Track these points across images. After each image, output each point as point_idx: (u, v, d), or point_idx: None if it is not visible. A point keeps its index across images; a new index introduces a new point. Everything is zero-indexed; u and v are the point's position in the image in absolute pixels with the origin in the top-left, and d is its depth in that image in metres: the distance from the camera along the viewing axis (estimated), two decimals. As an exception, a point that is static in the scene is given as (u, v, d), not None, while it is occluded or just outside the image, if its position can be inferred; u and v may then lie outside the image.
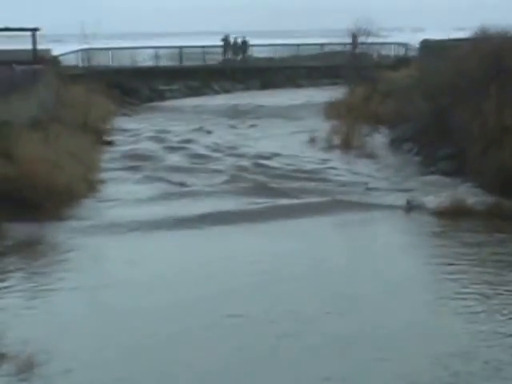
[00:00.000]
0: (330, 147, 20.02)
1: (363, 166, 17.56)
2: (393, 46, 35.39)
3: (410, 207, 13.57)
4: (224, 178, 16.16)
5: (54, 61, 26.77)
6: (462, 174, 15.24)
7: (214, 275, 10.27)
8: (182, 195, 14.89)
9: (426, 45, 26.94)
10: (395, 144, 19.63)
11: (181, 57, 34.11)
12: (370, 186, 15.34)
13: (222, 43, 34.96)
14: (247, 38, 35.31)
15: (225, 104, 32.57)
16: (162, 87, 34.94)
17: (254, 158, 18.52)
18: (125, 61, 33.23)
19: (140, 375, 7.43)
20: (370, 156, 18.71)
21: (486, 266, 10.56)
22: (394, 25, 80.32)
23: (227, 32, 35.07)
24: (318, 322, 8.61)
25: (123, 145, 21.08)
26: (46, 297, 9.49)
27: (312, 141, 20.87)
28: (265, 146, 20.07)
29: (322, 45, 35.99)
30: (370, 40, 31.01)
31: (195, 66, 34.15)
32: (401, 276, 10.21)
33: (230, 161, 18.20)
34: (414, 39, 33.44)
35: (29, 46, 25.53)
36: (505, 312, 8.73)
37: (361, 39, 31.42)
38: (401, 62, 29.64)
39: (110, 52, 33.53)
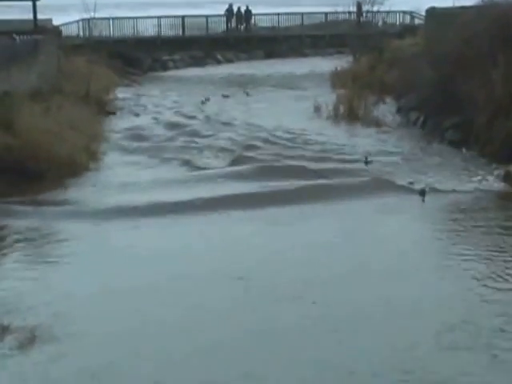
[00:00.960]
0: (335, 117, 19.80)
1: (369, 138, 17.26)
2: (398, 14, 34.89)
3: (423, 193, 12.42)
4: (232, 156, 15.20)
5: (56, 31, 26.46)
6: (469, 143, 15.09)
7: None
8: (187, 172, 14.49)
9: (432, 12, 26.50)
10: (401, 113, 19.43)
11: (183, 26, 33.74)
12: (376, 159, 14.83)
13: (225, 13, 34.58)
14: (250, 7, 34.91)
15: (228, 74, 32.30)
16: (164, 57, 34.67)
17: (260, 131, 17.96)
18: (127, 31, 32.91)
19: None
20: (377, 126, 18.48)
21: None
22: (399, -7, 79.09)
23: (230, 1, 34.60)
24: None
25: (126, 116, 20.96)
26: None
27: (317, 111, 20.64)
28: (270, 118, 19.71)
29: (326, 13, 35.52)
30: (376, 8, 30.68)
31: (198, 35, 33.80)
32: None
33: (236, 135, 17.49)
34: (420, 7, 33.01)
35: (30, 16, 25.23)
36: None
37: (366, 7, 31.07)
38: (406, 30, 29.26)
39: (111, 22, 33.16)
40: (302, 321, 7.64)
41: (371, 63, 24.88)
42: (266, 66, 34.35)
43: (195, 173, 14.22)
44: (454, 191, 12.60)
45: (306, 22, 35.52)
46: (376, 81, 22.61)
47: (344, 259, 9.50)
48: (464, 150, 15.05)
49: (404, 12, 35.34)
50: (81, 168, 14.04)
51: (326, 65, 29.43)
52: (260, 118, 19.64)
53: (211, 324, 7.61)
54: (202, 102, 23.32)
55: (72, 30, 31.08)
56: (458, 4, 22.97)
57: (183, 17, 34.35)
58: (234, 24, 34.77)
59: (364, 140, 16.93)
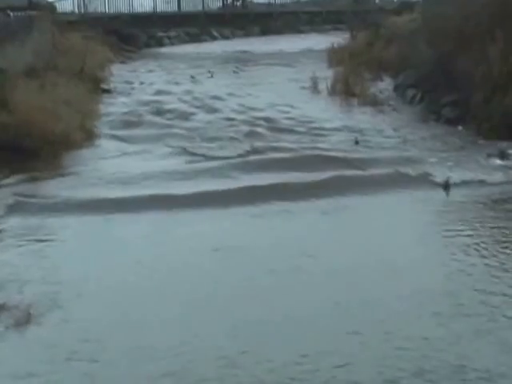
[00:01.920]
0: (332, 95, 19.68)
1: (366, 116, 17.12)
2: (396, -10, 34.69)
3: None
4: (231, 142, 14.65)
5: (50, 7, 26.23)
6: (466, 120, 15.02)
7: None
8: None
9: (430, -11, 26.37)
10: (399, 90, 19.31)
11: (179, 2, 33.48)
12: (373, 140, 14.52)
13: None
14: (247, -17, 34.70)
15: (224, 50, 32.13)
16: (160, 34, 34.47)
17: (256, 111, 17.65)
18: (122, 7, 32.65)
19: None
20: (374, 103, 18.37)
21: None
22: (396, -31, 78.54)
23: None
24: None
25: (121, 93, 20.83)
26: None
27: (314, 89, 20.52)
28: (267, 97, 19.59)
29: (323, -10, 35.36)
30: (373, -16, 30.48)
31: (194, 11, 33.56)
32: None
33: (234, 117, 17.06)
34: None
35: (24, -8, 24.95)
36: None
37: (363, -17, 30.89)
38: (404, 6, 29.00)
39: (106, -3, 32.93)
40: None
41: (368, 40, 24.70)
42: (263, 42, 34.17)
43: (198, 164, 13.23)
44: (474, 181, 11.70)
45: (303, -2, 35.37)
46: (373, 58, 22.44)
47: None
48: (460, 127, 14.99)
49: (401, -12, 35.10)
50: (76, 146, 13.97)
51: (322, 41, 29.26)
52: (257, 98, 19.48)
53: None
54: (194, 79, 23.23)
55: (67, 7, 30.85)
56: (456, -20, 22.78)
57: (179, -7, 34.11)
58: (230, 0, 34.54)
59: (360, 118, 16.79)
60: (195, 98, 19.69)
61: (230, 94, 20.09)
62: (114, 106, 18.62)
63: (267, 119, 16.61)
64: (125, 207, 10.58)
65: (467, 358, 6.25)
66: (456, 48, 16.06)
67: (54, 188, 11.65)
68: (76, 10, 31.00)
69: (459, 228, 9.51)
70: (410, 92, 18.41)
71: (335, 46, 26.34)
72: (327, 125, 15.96)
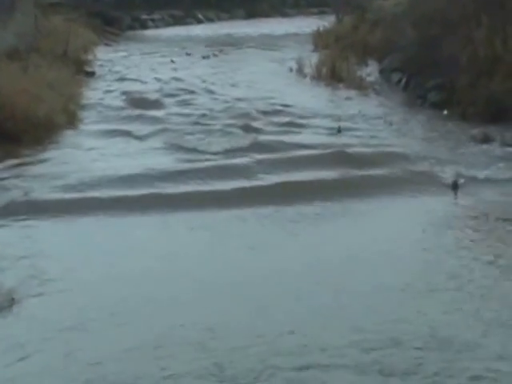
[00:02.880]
0: (317, 79, 19.60)
1: (351, 101, 17.03)
2: (381, -27, 34.54)
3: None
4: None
5: (33, -11, 25.90)
6: (451, 104, 15.01)
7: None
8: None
9: (416, -28, 26.30)
10: (384, 74, 19.27)
11: (164, -15, 33.26)
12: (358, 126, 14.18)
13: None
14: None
15: (209, 34, 31.96)
16: (144, 16, 34.23)
17: (247, 101, 17.25)
18: (106, -11, 32.38)
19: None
20: (359, 87, 18.30)
21: None
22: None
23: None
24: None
25: (105, 76, 20.69)
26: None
27: (299, 73, 20.44)
28: (249, 81, 19.44)
29: (308, -28, 35.19)
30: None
31: (178, -6, 33.35)
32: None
33: (215, 102, 16.81)
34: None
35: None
36: None
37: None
38: (389, -11, 28.97)
39: (90, -21, 32.55)
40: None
41: (354, 23, 24.64)
42: (248, 25, 34.01)
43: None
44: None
45: (288, -20, 35.19)
46: (359, 41, 22.40)
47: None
48: (445, 111, 14.97)
49: (387, -29, 34.96)
50: (59, 129, 13.84)
51: (308, 25, 29.17)
52: (243, 83, 19.30)
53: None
54: (173, 62, 23.13)
55: (49, -12, 30.49)
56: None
57: (163, -26, 33.85)
58: (215, -17, 34.37)
59: (344, 104, 16.65)
60: (178, 80, 19.62)
61: (214, 81, 19.89)
62: (98, 89, 18.49)
63: (247, 102, 16.51)
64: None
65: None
66: (441, 32, 16.03)
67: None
68: (59, -8, 30.69)
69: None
70: (396, 76, 18.36)
71: (321, 29, 26.24)
72: (310, 111, 15.72)
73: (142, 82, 19.73)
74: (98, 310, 6.74)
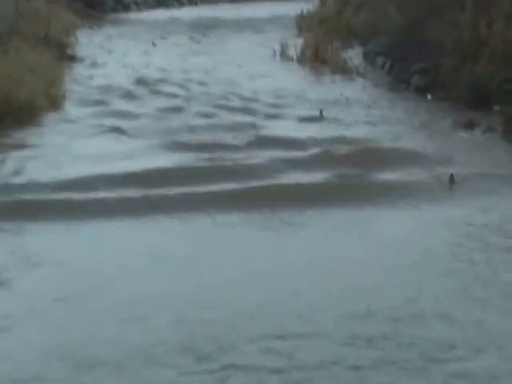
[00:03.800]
0: (301, 62, 19.51)
1: (335, 85, 16.93)
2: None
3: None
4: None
5: (13, -30, 25.56)
6: (435, 88, 14.99)
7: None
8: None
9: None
10: (368, 58, 19.21)
11: (146, -33, 32.96)
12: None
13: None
14: None
15: (192, 17, 31.72)
16: (127, -1, 33.96)
17: (236, 87, 17.20)
18: (88, -29, 32.00)
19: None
20: (343, 71, 18.22)
21: None
22: None
23: None
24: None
25: (87, 59, 20.53)
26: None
27: (283, 56, 20.35)
28: (234, 64, 19.30)
29: (292, -45, 34.89)
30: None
31: (161, -24, 33.08)
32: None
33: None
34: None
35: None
36: None
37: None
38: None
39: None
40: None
41: (338, 7, 24.52)
42: (231, 8, 33.78)
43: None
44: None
45: (272, -37, 34.93)
46: (343, 25, 22.32)
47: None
48: (429, 96, 14.95)
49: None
50: (41, 113, 13.70)
51: (292, 8, 28.96)
52: (224, 68, 19.06)
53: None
54: (154, 45, 23.01)
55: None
56: None
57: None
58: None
59: (328, 88, 16.53)
60: (159, 64, 19.51)
61: (193, 65, 19.65)
62: (80, 73, 18.35)
63: (231, 84, 16.46)
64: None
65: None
66: (426, 15, 15.98)
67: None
68: (40, -26, 30.31)
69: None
70: (380, 60, 18.31)
71: (304, 12, 26.11)
72: (293, 95, 15.59)
73: (124, 65, 19.61)
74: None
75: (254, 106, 14.66)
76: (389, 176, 10.12)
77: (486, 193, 9.50)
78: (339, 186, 9.81)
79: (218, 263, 7.46)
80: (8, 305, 6.59)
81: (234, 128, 12.67)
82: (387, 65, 17.78)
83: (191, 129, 12.83)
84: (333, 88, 16.49)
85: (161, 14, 33.00)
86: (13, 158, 10.99)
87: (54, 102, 14.56)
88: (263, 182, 9.82)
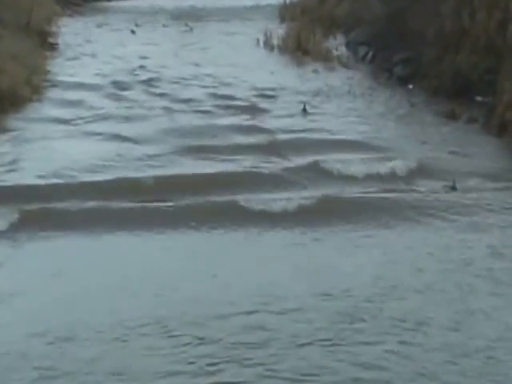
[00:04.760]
0: (284, 52, 19.48)
1: (318, 75, 16.88)
2: None
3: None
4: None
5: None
6: (417, 79, 15.03)
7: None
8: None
9: None
10: (350, 48, 19.21)
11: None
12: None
13: None
14: None
15: (174, 5, 31.49)
16: (108, -13, 33.63)
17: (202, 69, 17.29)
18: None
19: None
20: (326, 61, 18.20)
21: None
22: None
23: None
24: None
25: (68, 48, 20.38)
26: None
27: (266, 45, 20.30)
28: (216, 54, 19.22)
29: None
30: None
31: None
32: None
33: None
34: None
35: None
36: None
37: None
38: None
39: None
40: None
41: (321, -4, 24.46)
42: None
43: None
44: None
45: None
46: (326, 14, 22.27)
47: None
48: (411, 86, 14.98)
49: None
50: (23, 101, 13.61)
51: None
52: (206, 58, 18.90)
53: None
54: (133, 33, 23.11)
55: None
56: None
57: None
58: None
59: (311, 78, 16.46)
60: (139, 53, 19.42)
61: (177, 55, 19.43)
62: (62, 62, 18.23)
63: (211, 77, 16.29)
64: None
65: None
66: (408, 5, 16.02)
67: None
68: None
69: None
70: (362, 49, 18.32)
71: (287, 1, 26.03)
72: (276, 87, 15.40)
73: (104, 54, 19.47)
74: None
75: (236, 96, 14.74)
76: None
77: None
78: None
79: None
80: None
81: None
82: (369, 54, 17.82)
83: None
84: (315, 78, 16.49)
85: (141, 2, 32.75)
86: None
87: (36, 91, 14.49)
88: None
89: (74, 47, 20.51)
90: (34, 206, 8.81)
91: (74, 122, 12.74)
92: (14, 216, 8.51)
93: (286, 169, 10.21)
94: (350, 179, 9.94)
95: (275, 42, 20.11)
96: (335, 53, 18.95)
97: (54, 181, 9.72)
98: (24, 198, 9.04)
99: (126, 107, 13.80)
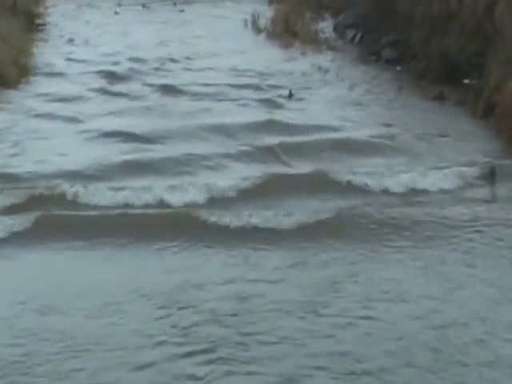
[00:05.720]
0: (272, 34, 19.43)
1: (305, 58, 16.83)
2: None
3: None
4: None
5: None
6: (405, 61, 15.02)
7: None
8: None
9: None
10: (338, 30, 19.18)
11: None
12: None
13: None
14: None
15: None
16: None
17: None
18: None
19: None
20: (314, 43, 18.15)
21: None
22: None
23: None
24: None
25: (56, 28, 20.29)
26: None
27: (254, 27, 20.25)
28: (205, 37, 19.16)
29: None
30: None
31: None
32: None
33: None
34: None
35: None
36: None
37: None
38: None
39: None
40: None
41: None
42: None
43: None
44: None
45: None
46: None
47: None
48: (399, 68, 14.98)
49: None
50: (10, 82, 13.54)
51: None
52: (194, 42, 18.82)
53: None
54: (117, 14, 23.16)
55: None
56: None
57: None
58: None
59: (298, 62, 16.41)
60: (126, 34, 19.37)
61: (163, 38, 19.28)
62: (49, 42, 18.15)
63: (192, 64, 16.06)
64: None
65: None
66: (396, -12, 15.96)
67: None
68: None
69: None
70: (350, 32, 18.29)
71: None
72: (263, 71, 15.32)
73: (91, 34, 19.42)
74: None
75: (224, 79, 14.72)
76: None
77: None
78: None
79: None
80: None
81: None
82: (357, 37, 17.79)
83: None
84: (302, 61, 16.45)
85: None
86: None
87: (23, 71, 14.41)
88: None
89: (61, 28, 20.43)
90: None
91: (60, 104, 12.73)
92: None
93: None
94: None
95: (263, 24, 20.06)
96: (323, 35, 18.95)
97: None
98: None
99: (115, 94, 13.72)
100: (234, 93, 13.46)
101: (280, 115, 11.87)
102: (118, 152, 9.96)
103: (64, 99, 12.93)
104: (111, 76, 14.53)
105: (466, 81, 13.06)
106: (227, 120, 11.38)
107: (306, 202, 8.42)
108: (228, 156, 9.84)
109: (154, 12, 24.30)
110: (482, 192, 8.94)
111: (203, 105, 12.50)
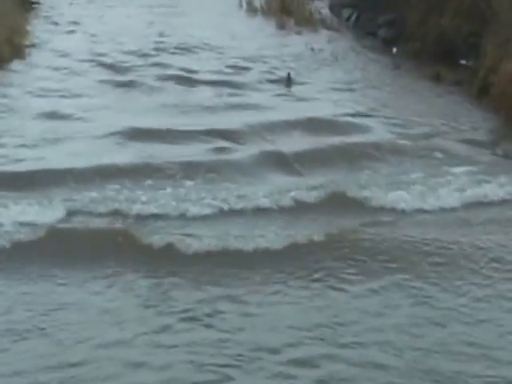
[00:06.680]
0: (267, 14, 19.31)
1: (301, 39, 16.67)
2: None
3: None
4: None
5: None
6: (402, 41, 14.97)
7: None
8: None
9: None
10: (334, 10, 19.08)
11: None
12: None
13: None
14: None
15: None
16: None
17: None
18: None
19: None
20: (309, 23, 18.04)
21: None
22: None
23: None
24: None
25: (51, 7, 20.14)
26: None
27: (249, 7, 20.13)
28: (199, 16, 19.03)
29: None
30: None
31: None
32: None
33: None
34: None
35: None
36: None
37: None
38: None
39: None
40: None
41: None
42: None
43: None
44: None
45: None
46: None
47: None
48: (395, 49, 14.91)
49: None
50: (4, 61, 13.46)
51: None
52: (187, 23, 18.56)
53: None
54: None
55: None
56: None
57: None
58: None
59: (294, 43, 16.23)
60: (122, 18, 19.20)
61: (156, 20, 19.00)
62: (44, 21, 18.02)
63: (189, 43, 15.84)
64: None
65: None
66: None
67: None
68: None
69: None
70: (346, 12, 18.21)
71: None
72: (258, 53, 15.03)
73: (85, 15, 19.26)
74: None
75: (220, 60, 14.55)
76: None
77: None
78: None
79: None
80: None
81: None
82: (353, 17, 17.72)
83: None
84: (298, 41, 16.33)
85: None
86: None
87: (18, 51, 14.31)
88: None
89: (56, 7, 20.26)
90: None
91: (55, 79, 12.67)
92: None
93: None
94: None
95: (258, 3, 19.93)
96: (319, 15, 18.84)
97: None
98: None
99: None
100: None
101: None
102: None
103: (58, 79, 12.85)
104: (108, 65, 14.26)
105: (463, 61, 13.06)
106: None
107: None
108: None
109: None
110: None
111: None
